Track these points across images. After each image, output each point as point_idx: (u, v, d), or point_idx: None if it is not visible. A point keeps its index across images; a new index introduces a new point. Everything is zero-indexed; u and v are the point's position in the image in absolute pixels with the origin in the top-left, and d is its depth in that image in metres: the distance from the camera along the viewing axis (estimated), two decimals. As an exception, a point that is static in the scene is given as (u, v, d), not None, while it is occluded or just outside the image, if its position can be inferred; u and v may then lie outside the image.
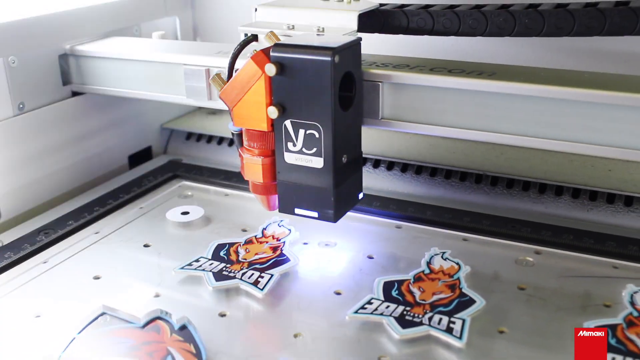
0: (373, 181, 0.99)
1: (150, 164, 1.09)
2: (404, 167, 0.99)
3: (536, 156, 0.95)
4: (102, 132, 1.05)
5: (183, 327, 0.65)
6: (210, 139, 1.14)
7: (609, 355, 0.60)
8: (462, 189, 0.95)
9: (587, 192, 0.90)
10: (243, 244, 0.81)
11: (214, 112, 1.20)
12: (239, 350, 0.63)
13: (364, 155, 0.98)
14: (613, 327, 0.64)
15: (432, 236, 0.83)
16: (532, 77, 0.71)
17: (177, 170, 1.04)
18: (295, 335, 0.65)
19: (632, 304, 0.68)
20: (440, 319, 0.65)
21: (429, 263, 0.75)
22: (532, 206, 0.92)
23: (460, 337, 0.63)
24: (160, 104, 1.13)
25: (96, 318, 0.66)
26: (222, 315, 0.68)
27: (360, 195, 0.79)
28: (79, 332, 0.64)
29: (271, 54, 0.69)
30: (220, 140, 1.13)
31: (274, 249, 0.80)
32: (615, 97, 0.66)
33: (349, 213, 0.81)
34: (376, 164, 1.01)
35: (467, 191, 0.95)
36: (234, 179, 0.98)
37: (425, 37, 0.80)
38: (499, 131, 0.72)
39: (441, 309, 0.67)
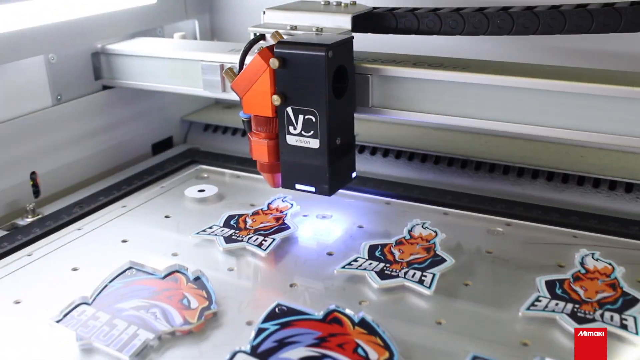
0: (370, 166, 1.10)
1: (171, 151, 1.21)
2: (398, 154, 1.10)
3: (515, 144, 1.06)
4: (129, 122, 1.17)
5: (197, 278, 0.76)
6: (225, 130, 1.25)
7: (552, 302, 0.71)
8: (449, 173, 1.06)
9: (560, 175, 1.01)
10: (250, 215, 0.92)
11: (228, 106, 1.32)
12: (243, 295, 0.75)
13: (362, 144, 1.10)
14: (561, 281, 0.74)
15: (417, 211, 0.94)
16: (499, 70, 0.82)
17: (195, 157, 1.16)
18: (291, 285, 0.77)
19: (582, 264, 0.78)
20: (414, 273, 0.76)
21: (410, 231, 0.87)
22: (510, 188, 1.02)
23: (429, 287, 0.74)
24: (180, 98, 1.26)
25: (124, 271, 0.78)
26: (230, 269, 0.80)
27: (354, 174, 0.90)
28: (110, 281, 0.76)
29: (275, 50, 0.81)
30: (234, 131, 1.24)
31: (277, 219, 0.91)
32: (567, 85, 0.77)
33: (344, 191, 0.94)
34: (373, 151, 1.12)
35: (454, 175, 1.06)
36: (245, 163, 1.10)
37: (412, 36, 0.91)
38: (472, 116, 0.83)
39: (416, 265, 0.78)
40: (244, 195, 1.00)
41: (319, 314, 0.68)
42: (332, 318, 0.68)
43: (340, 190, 0.89)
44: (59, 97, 1.05)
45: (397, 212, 0.94)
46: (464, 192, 1.00)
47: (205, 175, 1.10)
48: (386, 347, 0.64)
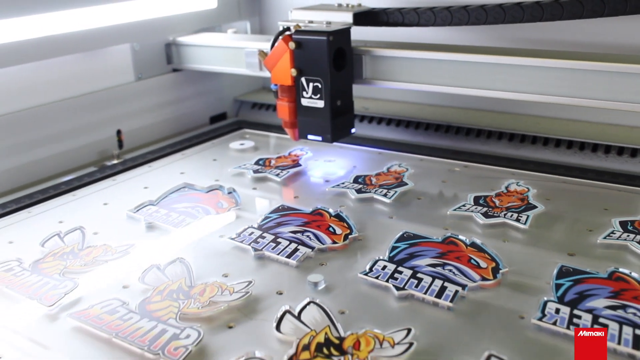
0: (376, 131, 1.40)
1: (224, 122, 1.55)
2: (398, 122, 1.40)
3: (487, 114, 1.35)
4: (193, 98, 1.51)
5: (230, 192, 1.09)
6: (268, 107, 1.58)
7: (473, 207, 1.00)
8: (435, 136, 1.35)
9: (518, 136, 1.28)
10: (275, 158, 1.24)
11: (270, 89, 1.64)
12: (259, 202, 1.07)
13: (371, 115, 1.40)
14: (486, 196, 1.03)
15: (400, 158, 1.23)
16: (459, 50, 1.11)
17: (241, 124, 1.49)
18: (295, 197, 1.08)
19: (507, 187, 1.07)
20: (382, 191, 1.07)
21: (388, 168, 1.17)
22: (480, 146, 1.30)
23: (390, 198, 1.04)
24: (234, 82, 1.59)
25: (180, 188, 1.11)
26: (254, 189, 1.12)
27: (353, 130, 1.21)
28: (170, 193, 1.09)
29: (293, 36, 1.13)
30: (275, 108, 1.56)
31: (294, 160, 1.23)
32: (514, 59, 1.05)
33: (349, 145, 1.24)
34: (379, 120, 1.42)
35: (438, 137, 1.35)
36: (279, 129, 1.41)
37: (399, 27, 1.21)
38: (440, 84, 1.12)
39: (385, 187, 1.09)
40: (273, 149, 1.32)
41: (308, 210, 1.00)
42: (317, 212, 0.99)
43: (345, 145, 1.21)
44: (139, 76, 1.39)
45: (385, 158, 1.24)
46: (439, 147, 1.29)
47: (247, 136, 1.42)
48: (349, 227, 0.95)
